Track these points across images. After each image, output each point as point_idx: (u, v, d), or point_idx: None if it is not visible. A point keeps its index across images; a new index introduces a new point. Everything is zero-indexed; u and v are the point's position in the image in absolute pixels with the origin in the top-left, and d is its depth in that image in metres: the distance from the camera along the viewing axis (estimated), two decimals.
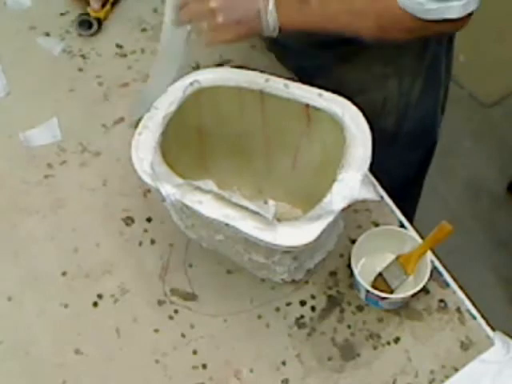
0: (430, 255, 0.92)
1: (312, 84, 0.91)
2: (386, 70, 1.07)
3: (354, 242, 0.94)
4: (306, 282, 0.97)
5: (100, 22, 1.25)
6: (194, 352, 0.93)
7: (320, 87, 0.90)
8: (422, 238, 0.95)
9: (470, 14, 0.87)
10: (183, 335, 0.94)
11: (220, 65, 1.18)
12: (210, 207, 0.81)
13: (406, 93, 1.11)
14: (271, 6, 0.88)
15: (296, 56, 1.11)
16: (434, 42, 1.06)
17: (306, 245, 0.78)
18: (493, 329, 0.93)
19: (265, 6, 0.89)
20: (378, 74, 1.08)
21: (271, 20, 0.89)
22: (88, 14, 1.24)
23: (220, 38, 0.91)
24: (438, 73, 1.13)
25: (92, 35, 1.24)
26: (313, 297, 0.96)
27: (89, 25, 1.24)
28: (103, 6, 1.25)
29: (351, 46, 0.99)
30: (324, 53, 1.06)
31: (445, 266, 0.97)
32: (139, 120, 0.90)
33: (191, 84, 0.93)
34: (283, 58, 1.16)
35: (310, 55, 1.07)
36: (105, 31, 1.26)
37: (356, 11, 0.88)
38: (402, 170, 1.22)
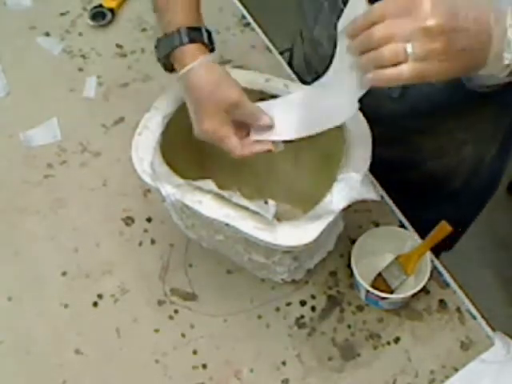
0: (429, 255, 0.92)
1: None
2: (465, 136, 1.02)
3: (354, 242, 0.94)
4: (306, 282, 0.97)
5: (113, 12, 1.27)
6: (194, 352, 0.93)
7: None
8: (422, 238, 0.95)
9: None
10: (183, 335, 0.94)
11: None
12: (209, 207, 0.81)
13: (480, 156, 1.07)
14: (510, 33, 0.61)
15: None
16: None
17: (306, 245, 0.78)
18: (493, 329, 0.93)
19: (502, 31, 0.61)
20: (458, 141, 1.03)
21: (506, 56, 0.62)
22: (101, 6, 1.27)
23: (431, 72, 0.62)
24: None
25: (105, 26, 1.26)
26: (313, 297, 0.96)
27: (102, 16, 1.26)
28: None
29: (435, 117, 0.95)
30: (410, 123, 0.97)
31: (445, 266, 0.97)
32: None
33: None
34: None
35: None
36: (105, 31, 1.26)
37: None
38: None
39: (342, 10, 0.70)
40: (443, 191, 1.12)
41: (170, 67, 0.82)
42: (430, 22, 0.59)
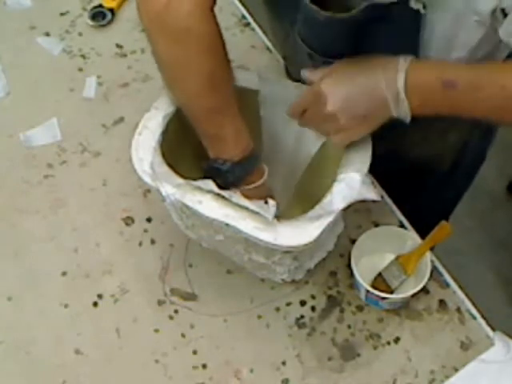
0: (429, 255, 0.92)
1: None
2: (446, 125, 1.01)
3: (354, 242, 0.94)
4: (306, 282, 0.97)
5: (113, 12, 1.27)
6: (194, 352, 0.93)
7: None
8: (422, 238, 0.95)
9: None
10: (183, 335, 0.94)
11: None
12: (209, 207, 0.81)
13: (465, 140, 1.07)
14: (402, 93, 0.75)
15: None
16: None
17: (306, 245, 0.78)
18: (493, 329, 0.93)
19: (393, 94, 0.76)
20: (440, 130, 1.02)
21: (403, 109, 0.76)
22: (101, 6, 1.27)
23: (347, 139, 0.83)
24: None
25: (105, 26, 1.26)
26: (313, 297, 0.96)
27: (102, 16, 1.27)
28: None
29: None
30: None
31: (445, 266, 0.97)
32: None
33: None
34: None
35: None
36: (105, 31, 1.26)
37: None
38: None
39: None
40: (432, 176, 1.12)
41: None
42: (329, 108, 0.78)
